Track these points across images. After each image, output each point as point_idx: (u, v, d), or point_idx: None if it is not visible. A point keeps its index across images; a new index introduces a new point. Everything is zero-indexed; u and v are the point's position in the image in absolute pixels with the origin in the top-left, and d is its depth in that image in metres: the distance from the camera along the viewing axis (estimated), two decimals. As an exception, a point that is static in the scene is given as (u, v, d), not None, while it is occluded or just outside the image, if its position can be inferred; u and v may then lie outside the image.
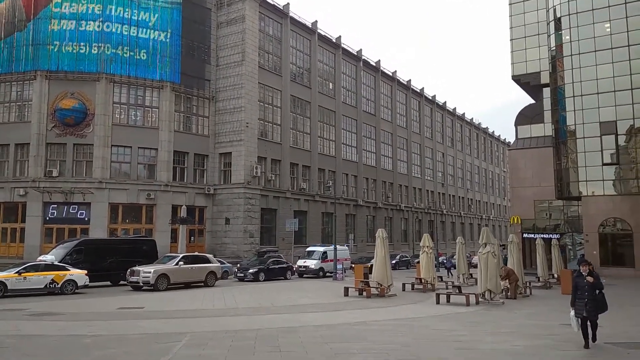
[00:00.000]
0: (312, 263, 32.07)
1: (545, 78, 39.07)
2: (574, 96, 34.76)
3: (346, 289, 19.88)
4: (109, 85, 35.47)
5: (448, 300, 17.56)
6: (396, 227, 55.96)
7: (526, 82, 41.69)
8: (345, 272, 30.43)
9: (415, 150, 63.07)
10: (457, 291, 17.91)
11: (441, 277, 25.10)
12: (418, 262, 29.27)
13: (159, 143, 36.63)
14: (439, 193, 67.06)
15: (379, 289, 19.71)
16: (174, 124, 37.49)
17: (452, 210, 69.66)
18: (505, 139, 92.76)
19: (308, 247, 37.55)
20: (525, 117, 41.59)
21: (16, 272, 19.33)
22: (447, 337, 10.74)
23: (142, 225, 35.86)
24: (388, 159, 57.23)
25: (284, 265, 30.28)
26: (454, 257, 50.29)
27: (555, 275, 27.51)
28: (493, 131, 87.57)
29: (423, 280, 22.94)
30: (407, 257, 45.96)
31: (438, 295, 17.59)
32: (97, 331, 11.14)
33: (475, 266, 27.28)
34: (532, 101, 43.61)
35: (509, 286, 19.66)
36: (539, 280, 26.49)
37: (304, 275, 31.78)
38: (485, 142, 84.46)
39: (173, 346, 9.14)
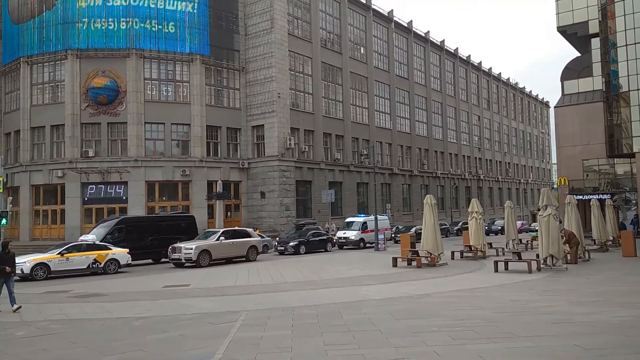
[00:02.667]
0: (352, 234, 31.32)
1: (594, 27, 36.40)
2: (626, 45, 32.28)
3: (394, 259, 19.03)
4: (139, 61, 34.90)
5: (506, 268, 16.49)
6: (433, 195, 54.39)
7: (573, 32, 38.97)
8: (386, 242, 29.56)
9: (450, 115, 60.92)
10: (517, 257, 16.79)
11: (491, 244, 23.91)
12: (466, 229, 28.18)
13: (192, 118, 36.09)
14: (476, 158, 64.98)
15: (429, 259, 18.79)
16: (205, 97, 36.80)
17: (489, 175, 67.52)
18: (543, 98, 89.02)
19: (345, 218, 36.88)
20: (572, 71, 39.11)
21: (58, 253, 19.15)
22: (531, 308, 9.73)
23: (178, 202, 35.73)
24: (422, 124, 55.43)
25: (324, 237, 29.66)
26: (495, 222, 48.99)
27: (611, 238, 26.00)
28: (530, 90, 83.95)
29: (473, 248, 21.85)
30: (446, 225, 44.65)
31: (496, 263, 16.52)
32: (145, 312, 10.62)
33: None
34: (579, 54, 40.96)
35: (569, 250, 18.39)
36: (594, 243, 25.05)
37: (344, 247, 31.11)
38: (522, 102, 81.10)
39: (230, 327, 8.46)
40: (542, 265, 16.42)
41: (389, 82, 50.13)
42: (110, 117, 34.63)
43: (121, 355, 7.15)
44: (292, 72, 39.34)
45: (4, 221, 23.16)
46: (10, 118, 37.17)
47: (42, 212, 35.13)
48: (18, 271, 18.27)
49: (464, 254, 22.04)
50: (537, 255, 17.03)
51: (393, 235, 35.27)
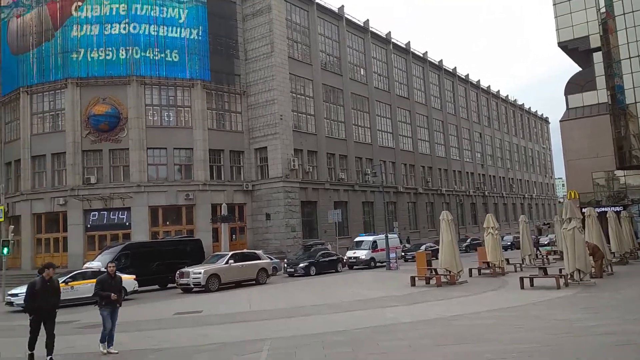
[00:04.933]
0: (362, 253, 30.59)
1: (595, 42, 36.42)
2: (630, 57, 32.18)
3: (412, 279, 18.32)
4: (140, 88, 34.67)
5: (532, 284, 15.79)
6: (438, 212, 53.48)
7: (574, 47, 39.00)
8: (397, 260, 28.83)
9: (452, 132, 60.73)
10: (543, 273, 16.12)
11: (508, 260, 23.22)
12: (475, 245, 27.50)
13: (194, 142, 35.70)
14: (479, 174, 64.57)
15: (448, 277, 18.10)
16: (207, 121, 36.52)
17: (494, 191, 67.03)
18: (542, 114, 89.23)
19: (352, 237, 36.19)
20: (575, 85, 39.00)
21: (63, 282, 18.39)
22: (583, 329, 9.04)
23: (183, 226, 35.07)
24: (425, 142, 55.17)
25: (334, 258, 28.97)
26: (504, 238, 48.19)
27: (629, 250, 25.34)
28: (530, 107, 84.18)
29: (491, 264, 21.15)
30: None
31: (522, 279, 15.82)
32: (159, 344, 9.91)
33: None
34: (580, 69, 40.92)
35: (594, 264, 17.71)
36: (614, 255, 24.36)
37: (354, 267, 30.33)
38: (522, 119, 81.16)
39: (256, 358, 7.75)
40: (569, 281, 15.74)
41: (389, 101, 50.01)
42: (112, 143, 34.22)
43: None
44: (293, 95, 39.16)
45: (5, 250, 22.44)
46: (10, 148, 36.71)
47: (44, 241, 34.39)
48: (20, 301, 17.60)
49: (482, 271, 21.34)
50: (560, 271, 16.37)
51: (403, 254, 34.55)
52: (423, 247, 33.19)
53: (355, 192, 43.34)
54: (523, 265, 23.44)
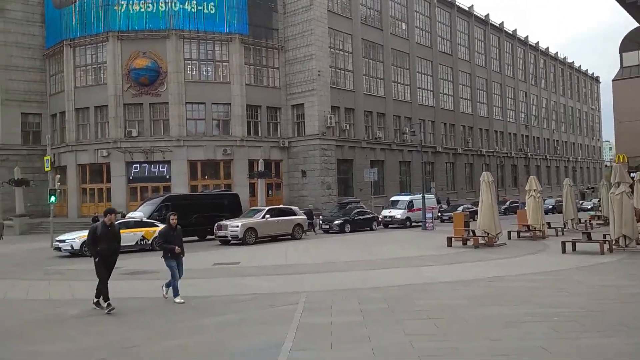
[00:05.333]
0: (398, 213, 30.41)
1: (659, -8, 33.61)
2: (697, 11, 29.53)
3: (449, 239, 18.09)
4: (179, 42, 34.64)
5: (574, 249, 15.32)
6: (477, 174, 52.48)
7: (632, 1, 36.12)
8: (434, 221, 28.55)
9: (496, 91, 58.46)
10: (587, 238, 15.59)
11: (549, 223, 22.60)
12: (521, 208, 26.95)
13: (232, 98, 35.70)
14: (522, 135, 62.40)
15: (486, 239, 17.78)
16: (245, 77, 36.30)
17: (537, 153, 64.84)
18: (593, 73, 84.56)
19: (387, 197, 36.02)
20: (631, 42, 36.44)
21: (108, 231, 19.12)
22: (628, 296, 8.72)
23: (220, 180, 35.65)
24: (466, 101, 53.42)
25: (369, 216, 28.93)
26: (545, 201, 46.90)
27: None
28: (580, 65, 79.74)
29: (531, 228, 20.62)
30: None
31: (564, 244, 15.36)
32: (200, 292, 10.19)
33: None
34: (638, 24, 38.09)
35: (641, 231, 16.96)
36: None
37: (389, 226, 30.27)
38: (571, 77, 77.19)
39: (292, 310, 7.84)
40: (614, 247, 15.19)
41: (431, 58, 48.30)
42: (152, 97, 34.64)
43: (181, 341, 6.64)
44: (332, 50, 38.30)
45: (53, 198, 23.44)
46: (55, 100, 37.70)
47: (88, 190, 35.74)
48: (68, 247, 18.49)
49: (521, 234, 20.87)
50: (604, 236, 15.78)
51: (440, 214, 34.19)
52: (460, 209, 32.68)
53: (392, 151, 42.76)
54: (565, 230, 22.79)
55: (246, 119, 36.22)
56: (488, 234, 17.78)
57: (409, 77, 45.51)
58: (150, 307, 8.88)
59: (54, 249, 19.21)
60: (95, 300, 8.57)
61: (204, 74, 35.74)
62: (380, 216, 30.60)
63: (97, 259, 8.32)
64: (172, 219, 9.28)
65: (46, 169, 26.29)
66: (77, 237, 18.42)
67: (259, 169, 32.83)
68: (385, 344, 5.96)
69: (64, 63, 36.11)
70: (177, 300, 8.94)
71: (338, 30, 38.72)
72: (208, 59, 35.78)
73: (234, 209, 25.35)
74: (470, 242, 17.88)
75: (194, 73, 35.40)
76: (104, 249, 8.30)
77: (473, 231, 18.29)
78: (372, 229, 28.21)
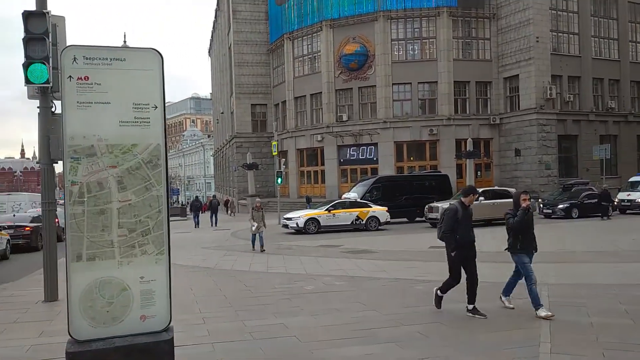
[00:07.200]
0: (639, 196, 25.75)
1: None
2: None
3: None
4: (387, 23, 34.99)
5: None
6: None
7: None
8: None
9: None
10: None
11: None
12: None
13: (438, 75, 34.69)
14: None
15: None
16: (453, 52, 34.87)
17: None
18: None
19: (621, 177, 30.95)
20: None
21: (326, 210, 20.53)
22: None
23: (426, 162, 35.19)
24: None
25: (602, 201, 25.01)
26: None
27: None
28: None
29: None
30: None
31: None
32: (423, 275, 9.97)
33: None
34: None
35: None
36: None
37: (627, 211, 25.83)
38: None
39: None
40: None
41: (684, 7, 39.27)
42: (361, 81, 35.83)
43: (419, 326, 6.38)
44: (552, 12, 34.05)
45: (279, 180, 26.13)
46: (278, 90, 41.94)
47: (306, 173, 39.10)
48: (293, 225, 20.36)
49: None
50: None
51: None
52: None
53: (629, 123, 36.41)
54: None
55: (453, 97, 34.87)
56: None
57: (651, 34, 37.92)
58: (378, 288, 8.95)
59: (282, 226, 21.35)
60: (471, 307, 6.74)
61: (410, 52, 35.48)
62: (616, 200, 26.30)
63: (454, 252, 6.62)
64: (524, 199, 6.66)
65: (273, 154, 29.56)
66: (301, 216, 20.17)
67: (467, 149, 31.23)
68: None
69: (285, 55, 39.82)
70: (542, 313, 6.35)
71: (561, -12, 34.25)
72: (415, 37, 35.38)
73: (443, 191, 24.75)
74: None
75: (401, 53, 35.40)
76: (462, 238, 6.60)
77: None
78: (606, 216, 24.42)
